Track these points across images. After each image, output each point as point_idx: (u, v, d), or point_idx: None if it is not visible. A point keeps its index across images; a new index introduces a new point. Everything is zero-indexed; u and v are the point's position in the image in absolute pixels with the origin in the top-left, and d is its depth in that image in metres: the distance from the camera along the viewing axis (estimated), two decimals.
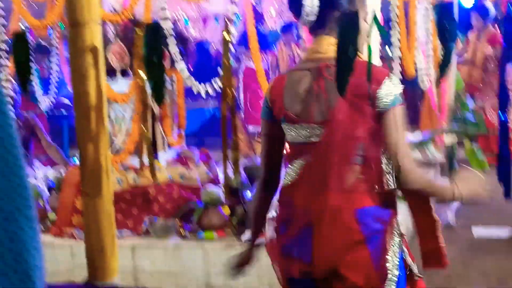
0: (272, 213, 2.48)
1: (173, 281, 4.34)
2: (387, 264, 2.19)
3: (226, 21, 3.90)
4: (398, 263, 2.22)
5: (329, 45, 2.25)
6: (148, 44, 2.22)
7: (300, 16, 2.30)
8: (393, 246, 2.21)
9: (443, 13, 2.20)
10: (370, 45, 2.01)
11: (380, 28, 2.01)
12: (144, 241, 4.50)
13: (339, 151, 2.25)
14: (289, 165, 2.40)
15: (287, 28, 7.80)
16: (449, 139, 5.56)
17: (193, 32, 5.40)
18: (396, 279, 2.21)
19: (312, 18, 2.28)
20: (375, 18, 1.99)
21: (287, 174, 2.40)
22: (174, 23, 4.86)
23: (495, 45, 7.48)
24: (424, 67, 5.27)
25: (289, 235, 2.30)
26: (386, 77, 2.22)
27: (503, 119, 2.95)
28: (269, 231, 2.42)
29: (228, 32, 3.98)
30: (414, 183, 2.23)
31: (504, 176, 3.23)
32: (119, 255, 3.46)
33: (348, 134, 2.24)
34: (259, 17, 5.55)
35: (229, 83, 2.77)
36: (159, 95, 2.32)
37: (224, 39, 3.18)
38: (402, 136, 2.25)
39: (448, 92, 5.74)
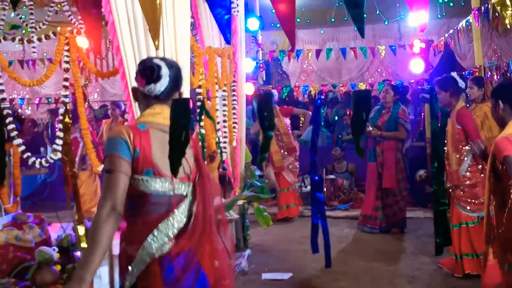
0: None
1: None
2: None
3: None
4: None
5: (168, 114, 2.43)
6: None
7: (155, 84, 2.61)
8: None
9: (262, 102, 2.54)
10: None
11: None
12: None
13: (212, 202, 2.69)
14: (173, 212, 2.55)
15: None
16: (241, 200, 6.46)
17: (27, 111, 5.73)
18: None
19: (163, 89, 2.63)
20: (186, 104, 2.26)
21: (173, 220, 2.56)
22: (11, 103, 5.18)
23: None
24: (222, 143, 6.17)
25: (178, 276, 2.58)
26: None
27: (317, 196, 3.25)
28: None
29: (68, 114, 4.27)
30: None
31: (315, 245, 3.41)
32: None
33: (211, 185, 2.73)
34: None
35: (71, 158, 3.04)
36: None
37: (62, 122, 3.34)
38: None
39: (240, 164, 6.84)
